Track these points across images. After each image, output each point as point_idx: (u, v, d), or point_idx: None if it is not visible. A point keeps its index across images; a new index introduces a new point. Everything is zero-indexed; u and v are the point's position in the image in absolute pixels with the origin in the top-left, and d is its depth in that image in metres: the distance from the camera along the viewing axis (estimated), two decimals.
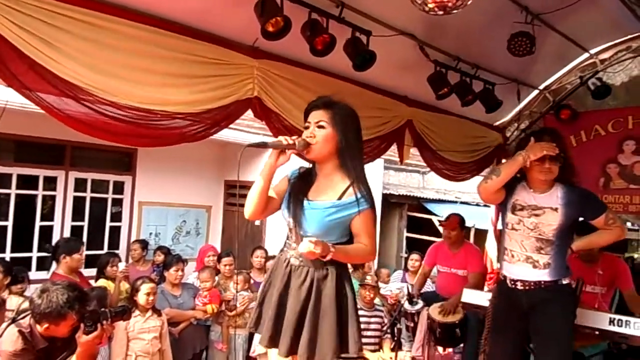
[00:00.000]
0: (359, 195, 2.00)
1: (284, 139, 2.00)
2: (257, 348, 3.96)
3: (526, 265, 2.74)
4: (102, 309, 2.67)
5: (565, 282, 2.72)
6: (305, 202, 2.05)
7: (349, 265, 2.20)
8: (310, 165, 2.20)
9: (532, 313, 2.74)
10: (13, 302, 3.74)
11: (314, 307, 2.01)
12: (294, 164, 2.25)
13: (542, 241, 2.71)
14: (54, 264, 4.22)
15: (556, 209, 2.70)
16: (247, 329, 2.24)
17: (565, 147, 2.77)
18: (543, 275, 2.70)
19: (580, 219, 2.79)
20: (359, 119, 2.15)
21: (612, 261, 3.76)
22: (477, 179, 5.84)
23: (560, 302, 2.69)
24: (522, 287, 2.75)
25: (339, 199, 2.01)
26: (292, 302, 2.04)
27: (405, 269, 6.21)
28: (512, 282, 2.80)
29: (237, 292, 4.67)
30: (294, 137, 2.03)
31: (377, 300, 4.84)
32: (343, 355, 2.05)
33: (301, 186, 2.12)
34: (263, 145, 2.00)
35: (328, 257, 1.90)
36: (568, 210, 2.69)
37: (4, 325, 2.53)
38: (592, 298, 3.65)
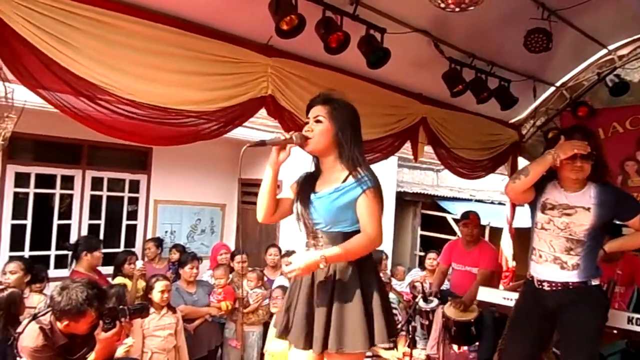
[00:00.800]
0: (359, 177, 2.04)
1: (281, 135, 2.07)
2: (269, 346, 3.98)
3: (554, 267, 2.68)
4: (121, 307, 2.71)
5: (594, 283, 2.65)
6: (312, 195, 2.11)
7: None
8: (314, 166, 2.25)
9: (559, 314, 2.67)
10: (34, 300, 3.81)
11: (339, 300, 2.03)
12: (306, 159, 2.28)
13: (572, 241, 2.65)
14: (74, 262, 4.29)
15: (589, 209, 2.63)
16: (276, 335, 2.24)
17: (597, 145, 2.68)
18: (571, 277, 2.64)
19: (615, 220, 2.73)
20: (357, 112, 2.20)
21: (631, 260, 3.72)
22: (492, 177, 5.83)
23: (590, 304, 2.62)
24: (548, 288, 2.70)
25: (342, 183, 2.06)
26: (318, 300, 2.06)
27: (423, 268, 6.20)
28: (539, 283, 2.74)
29: (250, 289, 4.70)
30: (290, 132, 2.10)
31: (393, 297, 4.83)
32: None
33: (307, 184, 2.18)
34: (262, 144, 2.03)
35: (322, 266, 1.98)
36: (601, 211, 2.62)
37: (25, 321, 2.58)
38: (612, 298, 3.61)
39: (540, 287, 2.73)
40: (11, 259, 4.26)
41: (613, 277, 3.42)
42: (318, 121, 2.11)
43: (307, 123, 2.16)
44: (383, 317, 2.06)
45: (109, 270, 5.02)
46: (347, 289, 2.04)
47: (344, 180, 2.06)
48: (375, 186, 2.05)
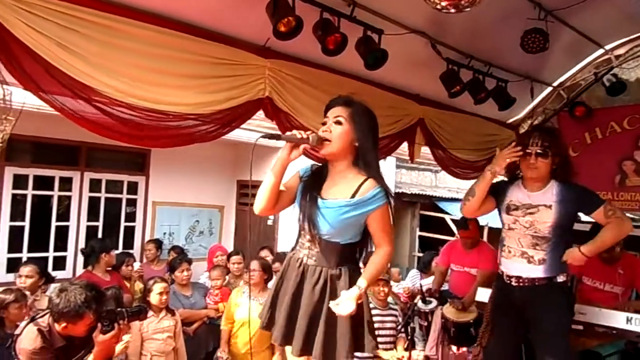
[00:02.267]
0: (375, 192, 1.98)
1: (297, 133, 1.98)
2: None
3: (521, 261, 2.78)
4: (119, 309, 2.71)
5: (560, 279, 2.74)
6: (320, 201, 2.03)
7: (362, 264, 2.20)
8: (322, 164, 2.19)
9: (527, 310, 2.76)
10: (44, 301, 3.82)
11: (328, 308, 1.99)
12: (305, 161, 2.26)
13: (538, 238, 2.74)
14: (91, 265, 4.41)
15: (550, 206, 2.72)
16: (260, 326, 2.23)
17: (560, 143, 2.80)
18: (537, 272, 2.73)
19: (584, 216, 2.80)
20: (377, 119, 2.15)
21: (632, 261, 3.74)
22: None
23: (554, 299, 2.71)
24: (516, 284, 2.80)
25: (353, 196, 1.99)
26: (306, 302, 2.04)
27: (424, 271, 6.19)
28: (508, 278, 2.84)
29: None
30: (307, 132, 2.01)
31: (390, 299, 4.82)
32: (358, 355, 2.05)
33: (313, 184, 2.10)
34: (277, 137, 1.98)
35: (361, 297, 1.95)
36: (562, 207, 2.70)
37: (24, 323, 2.58)
38: (612, 298, 3.62)
39: (509, 282, 2.83)
40: (27, 261, 4.28)
41: (614, 277, 3.46)
42: (338, 122, 2.03)
43: (324, 123, 2.08)
44: (371, 327, 2.07)
45: None
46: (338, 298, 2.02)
47: (355, 192, 1.99)
48: (389, 201, 2.03)
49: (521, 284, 2.77)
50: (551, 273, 2.71)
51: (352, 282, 2.03)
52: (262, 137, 1.94)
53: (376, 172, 2.05)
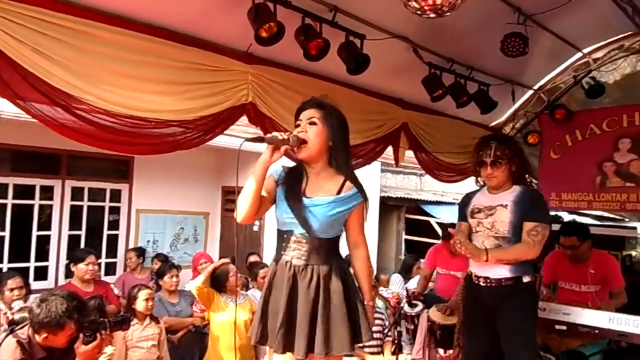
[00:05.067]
0: (358, 188, 2.12)
1: (278, 135, 2.04)
2: None
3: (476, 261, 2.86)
4: (101, 319, 2.67)
5: (526, 279, 2.82)
6: (306, 200, 2.08)
7: (351, 269, 2.26)
8: (297, 165, 2.24)
9: (496, 311, 2.83)
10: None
11: (325, 304, 2.05)
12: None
13: (499, 239, 2.83)
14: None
15: (506, 206, 2.84)
16: (254, 341, 2.23)
17: (512, 148, 2.94)
18: (504, 272, 2.81)
19: None
20: (350, 128, 2.25)
21: (603, 259, 3.78)
22: (474, 180, 5.87)
23: (520, 299, 2.79)
24: (484, 284, 2.88)
25: (338, 193, 2.10)
26: (302, 303, 2.06)
27: (405, 275, 6.21)
28: (476, 278, 2.93)
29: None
30: (287, 133, 2.08)
31: (380, 304, 4.83)
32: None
33: (294, 185, 2.14)
34: (260, 140, 2.02)
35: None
36: (517, 208, 2.81)
37: (3, 335, 2.52)
38: (586, 297, 3.66)
39: (477, 282, 2.92)
40: (11, 272, 4.20)
41: (586, 277, 3.59)
42: (312, 123, 2.12)
43: (297, 126, 2.15)
44: (365, 317, 2.14)
45: None
46: (332, 293, 2.07)
47: (340, 189, 2.10)
48: (367, 198, 2.16)
49: (489, 284, 2.86)
50: (517, 273, 2.80)
51: (342, 275, 2.12)
52: (246, 140, 1.99)
53: (352, 171, 2.18)
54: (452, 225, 4.58)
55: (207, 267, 5.20)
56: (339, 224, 2.15)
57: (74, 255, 4.39)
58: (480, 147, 2.98)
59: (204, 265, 5.39)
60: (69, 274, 4.56)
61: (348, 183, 2.11)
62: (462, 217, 3.09)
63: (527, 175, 3.01)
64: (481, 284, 2.89)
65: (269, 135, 2.07)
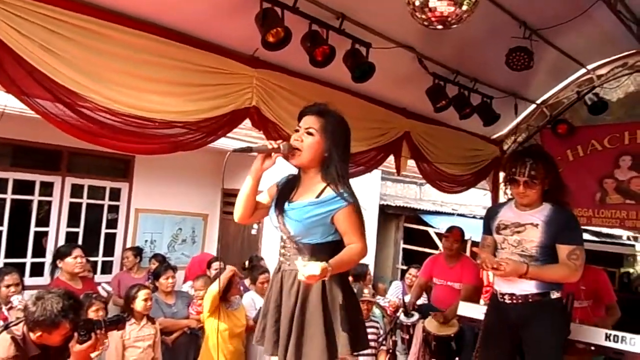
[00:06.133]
0: (339, 192, 2.01)
1: (269, 143, 2.03)
2: None
3: (512, 277, 2.71)
4: (96, 318, 2.66)
5: (554, 296, 2.71)
6: (287, 205, 2.08)
7: (350, 278, 2.22)
8: (297, 173, 2.23)
9: (522, 328, 2.74)
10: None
11: (300, 312, 2.02)
12: (285, 167, 2.27)
13: (525, 257, 2.72)
14: (56, 272, 4.23)
15: (537, 225, 2.72)
16: (254, 340, 2.23)
17: (549, 165, 2.76)
18: (530, 287, 2.70)
19: None
20: (350, 131, 2.18)
21: (593, 275, 3.74)
22: (474, 191, 5.89)
23: (550, 319, 2.68)
24: (509, 301, 2.77)
25: (318, 197, 2.03)
26: (284, 307, 2.07)
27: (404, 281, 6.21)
28: (501, 296, 2.82)
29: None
30: (278, 141, 2.05)
31: (377, 312, 4.81)
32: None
33: (285, 191, 2.16)
34: (248, 151, 2.01)
35: (327, 276, 1.87)
36: (549, 228, 2.69)
37: None
38: (581, 312, 3.64)
39: (502, 300, 2.81)
40: (8, 268, 4.06)
41: (572, 292, 3.50)
42: (310, 133, 2.07)
43: (296, 131, 2.11)
44: (347, 329, 2.02)
45: None
46: (310, 301, 2.03)
47: (319, 194, 2.04)
48: (355, 203, 2.04)
49: (514, 301, 2.74)
50: (544, 288, 2.69)
51: (325, 285, 2.03)
52: (234, 151, 1.97)
53: (341, 178, 2.07)
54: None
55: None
56: (323, 228, 2.03)
57: (59, 251, 4.27)
58: (514, 164, 2.77)
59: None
60: (54, 271, 4.42)
61: (330, 187, 2.03)
62: (488, 230, 2.96)
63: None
64: (506, 301, 2.77)
65: (257, 144, 2.08)
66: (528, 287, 2.70)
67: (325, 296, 2.04)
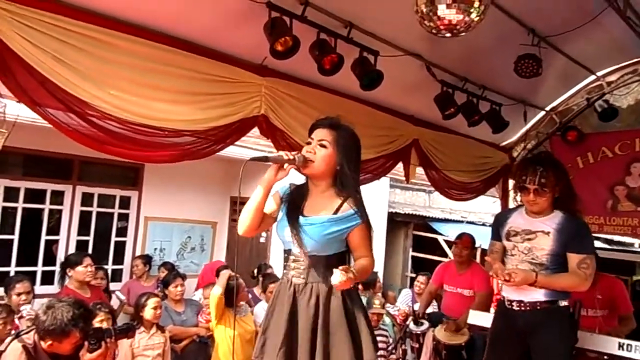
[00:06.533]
0: (356, 209, 2.05)
1: (284, 154, 2.03)
2: None
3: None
4: (107, 327, 2.67)
5: (562, 304, 2.70)
6: (302, 219, 2.07)
7: (360, 286, 2.22)
8: (303, 182, 2.22)
9: (530, 336, 2.72)
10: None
11: (324, 323, 2.01)
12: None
13: (535, 265, 2.70)
14: (66, 279, 4.24)
15: (548, 233, 2.70)
16: (253, 356, 2.21)
17: (559, 172, 2.74)
18: (539, 295, 2.69)
19: None
20: (361, 145, 2.21)
21: (610, 284, 3.71)
22: (484, 199, 5.85)
23: (559, 326, 2.67)
24: (517, 308, 2.76)
25: (335, 213, 2.05)
26: (302, 322, 2.03)
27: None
28: (509, 303, 2.81)
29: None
30: (293, 153, 2.06)
31: (387, 320, 4.78)
32: None
33: (295, 203, 2.14)
34: (264, 160, 2.02)
35: (352, 284, 1.92)
36: (560, 237, 2.67)
37: (9, 339, 2.53)
38: (594, 322, 3.60)
39: (510, 307, 2.80)
40: (20, 277, 4.09)
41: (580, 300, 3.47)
42: (322, 146, 2.08)
43: (308, 143, 2.13)
44: (370, 340, 2.06)
45: None
46: (332, 312, 2.02)
47: (337, 210, 2.05)
48: (368, 220, 2.08)
49: (523, 308, 2.73)
50: (552, 297, 2.67)
51: (345, 295, 2.05)
52: (251, 159, 1.99)
53: (355, 193, 2.11)
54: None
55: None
56: (337, 243, 2.07)
57: (69, 259, 4.29)
58: (524, 171, 2.74)
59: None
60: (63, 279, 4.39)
61: (347, 204, 2.05)
62: (497, 236, 2.94)
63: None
64: (514, 308, 2.76)
65: (274, 154, 2.08)
66: (537, 295, 2.69)
67: (347, 307, 2.05)
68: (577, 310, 2.84)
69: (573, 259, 2.65)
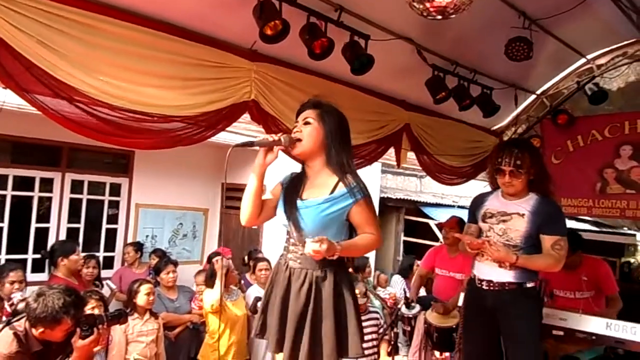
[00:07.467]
0: (351, 186, 2.02)
1: (269, 137, 2.03)
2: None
3: (492, 264, 2.81)
4: (98, 313, 2.67)
5: (529, 285, 2.77)
6: (299, 202, 2.07)
7: (350, 269, 2.22)
8: (300, 169, 2.23)
9: (498, 315, 2.79)
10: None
11: (314, 310, 2.01)
12: (288, 167, 2.27)
13: (510, 247, 2.75)
14: (52, 268, 4.21)
15: (523, 215, 2.76)
16: (253, 334, 2.24)
17: (534, 156, 2.82)
18: (507, 277, 2.76)
19: None
20: (346, 117, 2.20)
21: (594, 265, 3.76)
22: (475, 183, 5.88)
23: (524, 304, 2.74)
24: (487, 287, 2.84)
25: (331, 193, 2.04)
26: (293, 306, 2.05)
27: (405, 276, 6.22)
28: (479, 282, 2.88)
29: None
30: (279, 134, 2.06)
31: (377, 303, 4.81)
32: None
33: (293, 188, 2.15)
34: (250, 145, 2.00)
35: (335, 256, 1.91)
36: (535, 218, 2.73)
37: (0, 326, 2.52)
38: (585, 303, 3.64)
39: (480, 285, 2.87)
40: (12, 265, 4.09)
41: (580, 284, 3.54)
42: (307, 123, 2.10)
43: (295, 127, 2.14)
44: (356, 330, 2.06)
45: None
46: (323, 300, 2.03)
47: (333, 189, 2.04)
48: (367, 195, 2.05)
49: (491, 288, 2.81)
50: (521, 279, 2.75)
51: (337, 285, 2.05)
52: (236, 146, 1.97)
53: (350, 169, 2.09)
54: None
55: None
56: (337, 226, 2.05)
57: (64, 248, 4.27)
58: (500, 154, 2.83)
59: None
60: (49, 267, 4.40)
61: (342, 182, 2.04)
62: (473, 219, 3.01)
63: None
64: (484, 287, 2.84)
65: (258, 138, 2.06)
66: (506, 277, 2.77)
67: (337, 296, 2.05)
68: (543, 289, 2.91)
69: (547, 240, 2.72)
